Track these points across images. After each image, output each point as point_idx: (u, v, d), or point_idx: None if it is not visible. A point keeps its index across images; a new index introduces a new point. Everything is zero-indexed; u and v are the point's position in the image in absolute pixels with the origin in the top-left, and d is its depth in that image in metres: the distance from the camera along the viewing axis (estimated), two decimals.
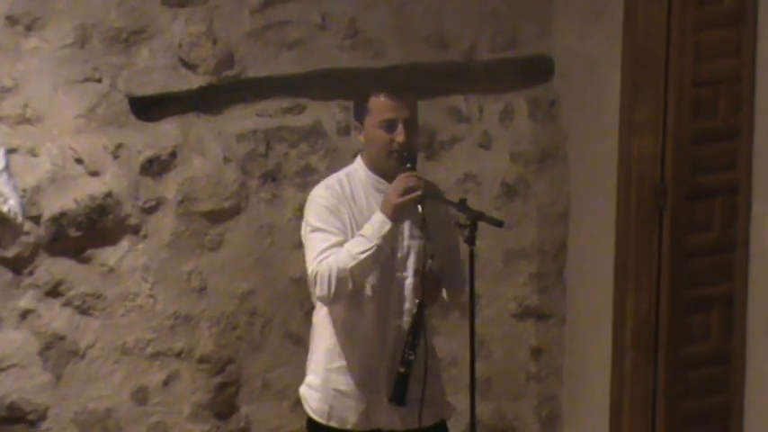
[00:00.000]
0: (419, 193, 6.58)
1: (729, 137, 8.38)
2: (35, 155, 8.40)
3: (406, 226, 6.89)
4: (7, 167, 8.03)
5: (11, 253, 8.45)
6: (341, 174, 7.04)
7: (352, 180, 6.90)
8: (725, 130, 8.54)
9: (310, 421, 7.04)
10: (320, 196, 6.92)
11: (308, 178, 8.88)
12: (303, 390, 7.01)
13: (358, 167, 6.99)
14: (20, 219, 8.06)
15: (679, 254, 8.76)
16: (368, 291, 6.74)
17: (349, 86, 8.94)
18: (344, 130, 8.97)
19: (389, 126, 6.74)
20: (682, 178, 8.81)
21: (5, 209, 8.10)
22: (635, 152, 8.68)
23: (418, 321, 6.69)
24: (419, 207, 6.76)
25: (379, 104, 6.84)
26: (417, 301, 6.72)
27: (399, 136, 6.70)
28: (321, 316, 7.02)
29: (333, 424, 6.78)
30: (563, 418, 9.50)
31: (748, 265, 8.36)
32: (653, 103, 8.68)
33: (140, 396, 8.58)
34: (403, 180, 6.63)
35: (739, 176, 8.25)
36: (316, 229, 6.81)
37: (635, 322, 8.83)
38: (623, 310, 8.84)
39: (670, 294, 8.89)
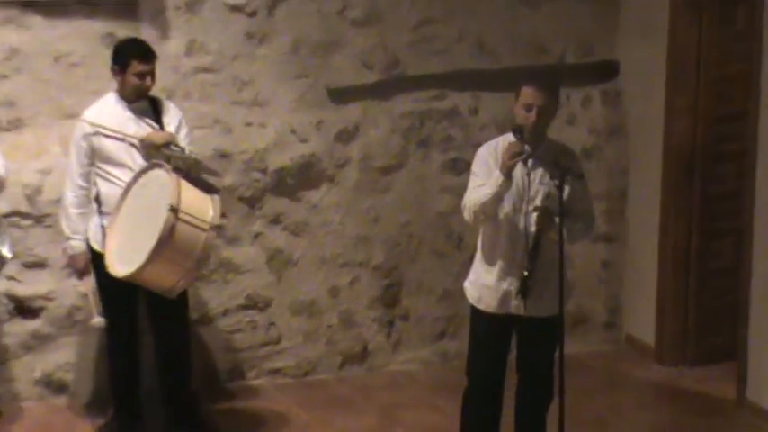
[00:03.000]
0: (522, 156, 6.56)
1: (741, 118, 8.31)
2: (264, 127, 8.59)
3: (539, 174, 6.83)
4: None
5: (248, 193, 8.54)
6: (498, 138, 7.01)
7: (503, 143, 6.93)
8: (738, 113, 8.41)
9: (471, 305, 7.12)
10: (480, 152, 6.94)
11: (448, 144, 9.00)
12: (465, 283, 7.02)
13: (508, 135, 7.00)
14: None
15: (704, 199, 8.76)
16: (502, 218, 6.72)
17: (477, 81, 9.05)
18: (474, 111, 9.02)
19: (527, 108, 6.75)
20: (707, 147, 8.83)
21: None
22: (675, 129, 8.72)
23: (537, 241, 6.69)
24: (529, 162, 6.70)
25: (524, 92, 6.80)
26: (536, 227, 6.77)
27: (530, 117, 6.73)
28: (479, 234, 7.18)
29: (481, 307, 6.82)
30: (623, 310, 9.46)
31: (753, 208, 8.21)
32: (688, 94, 8.69)
33: (334, 292, 8.78)
34: (509, 147, 6.65)
35: (747, 147, 8.22)
36: (472, 173, 6.84)
37: (674, 245, 8.82)
38: (666, 237, 8.87)
39: (698, 227, 8.86)
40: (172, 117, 7.39)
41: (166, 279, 7.06)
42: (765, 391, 8.16)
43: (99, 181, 7.40)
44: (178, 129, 7.40)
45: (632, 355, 9.11)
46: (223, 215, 7.72)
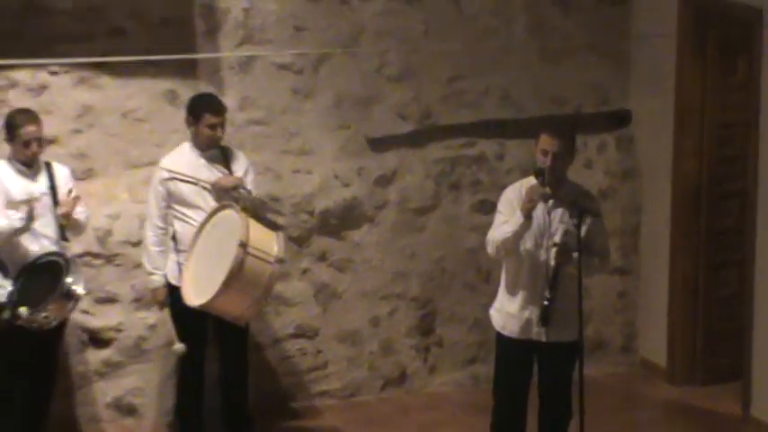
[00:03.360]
0: (540, 199, 6.77)
1: (742, 160, 8.53)
2: (310, 173, 8.76)
3: (559, 213, 6.98)
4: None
5: (296, 233, 8.67)
6: (522, 180, 7.13)
7: (526, 185, 7.03)
8: (739, 155, 8.69)
9: (497, 332, 7.22)
10: (505, 192, 7.09)
11: (477, 187, 9.18)
12: (491, 311, 7.17)
13: (531, 177, 7.10)
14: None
15: (710, 233, 8.92)
16: (524, 252, 6.89)
17: (502, 130, 9.17)
18: (500, 157, 9.27)
19: (544, 153, 6.89)
20: (712, 186, 8.93)
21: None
22: (682, 170, 8.92)
23: (556, 273, 6.85)
24: (549, 202, 6.89)
25: (541, 139, 6.96)
26: (555, 261, 6.89)
27: (547, 161, 6.88)
28: (503, 266, 7.26)
29: (506, 333, 6.99)
30: (638, 335, 9.51)
31: (755, 240, 8.28)
32: (694, 138, 8.88)
33: (374, 321, 8.95)
34: (529, 190, 6.81)
35: (748, 185, 8.34)
36: (498, 211, 7.02)
37: (683, 276, 9.00)
38: (675, 268, 9.04)
39: (705, 259, 8.96)
40: (240, 164, 7.68)
41: (236, 308, 7.33)
42: None
43: (175, 221, 7.69)
44: (246, 174, 7.65)
45: (646, 377, 9.25)
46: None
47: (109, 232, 8.14)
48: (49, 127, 7.95)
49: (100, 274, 8.11)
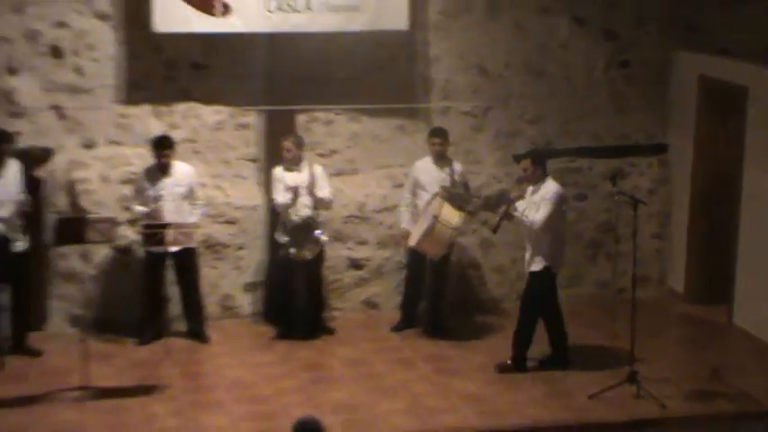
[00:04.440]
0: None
1: (732, 178, 9.24)
2: (479, 174, 9.70)
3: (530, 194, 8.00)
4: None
5: (470, 209, 9.37)
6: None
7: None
8: (730, 174, 9.32)
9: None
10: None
11: (576, 185, 10.03)
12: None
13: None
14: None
15: (711, 214, 9.67)
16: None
17: (591, 153, 9.98)
18: (590, 168, 10.06)
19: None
20: (713, 190, 9.68)
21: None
22: (697, 180, 9.93)
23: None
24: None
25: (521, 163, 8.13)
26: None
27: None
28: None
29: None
30: (667, 273, 10.21)
31: (738, 222, 9.22)
32: (704, 162, 9.81)
33: (513, 260, 9.84)
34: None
35: (734, 192, 9.18)
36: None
37: (695, 239, 9.85)
38: (691, 234, 9.90)
39: (708, 227, 9.78)
40: (456, 168, 9.05)
41: (430, 251, 8.80)
42: (747, 318, 9.28)
43: (417, 197, 9.17)
44: (459, 174, 8.95)
45: (671, 299, 10.24)
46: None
47: (364, 204, 9.78)
48: (333, 144, 9.72)
49: (358, 227, 9.78)
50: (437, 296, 9.31)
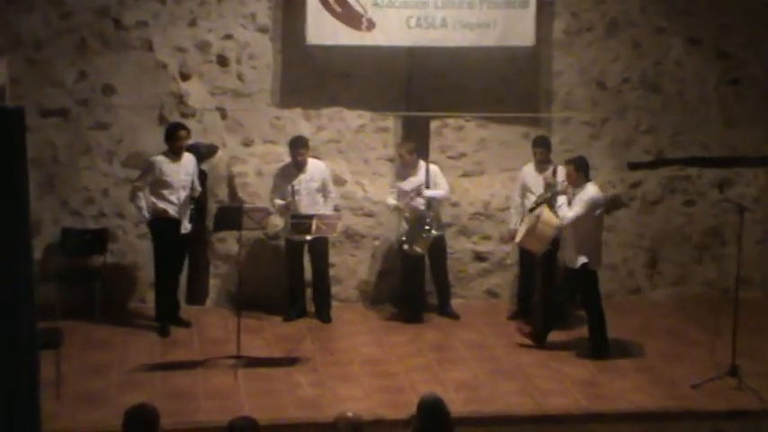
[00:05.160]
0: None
1: None
2: (595, 180, 9.14)
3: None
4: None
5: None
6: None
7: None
8: None
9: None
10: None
11: (686, 192, 10.09)
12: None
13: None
14: None
15: None
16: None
17: (701, 163, 9.95)
18: (699, 177, 10.03)
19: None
20: None
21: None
22: None
23: None
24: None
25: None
26: None
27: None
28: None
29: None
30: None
31: None
32: None
33: (625, 259, 9.98)
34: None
35: None
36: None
37: None
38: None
39: None
40: (560, 173, 8.78)
41: (533, 247, 8.75)
42: None
43: (525, 200, 9.07)
44: (560, 178, 8.66)
45: None
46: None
47: (489, 203, 9.84)
48: (462, 148, 9.81)
49: (483, 224, 9.83)
50: (549, 290, 9.25)
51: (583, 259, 8.29)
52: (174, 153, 8.82)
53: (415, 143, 9.30)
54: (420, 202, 9.03)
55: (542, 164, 9.05)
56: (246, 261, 9.55)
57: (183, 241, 8.99)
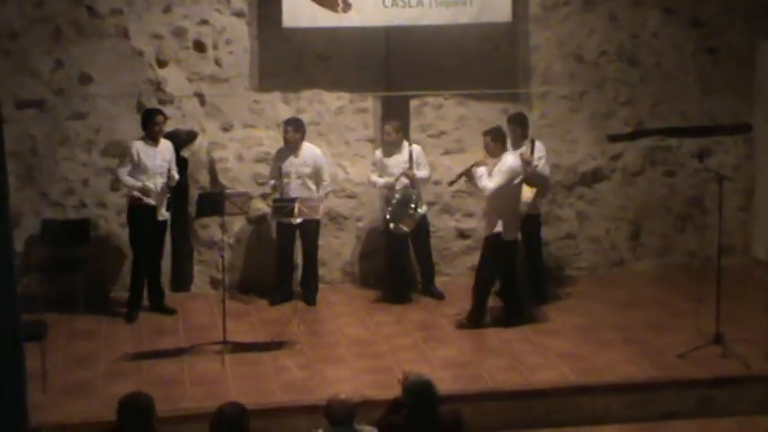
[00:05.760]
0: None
1: None
2: (575, 152, 9.75)
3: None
4: None
5: (567, 183, 9.73)
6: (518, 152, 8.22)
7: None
8: None
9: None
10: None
11: (665, 163, 10.03)
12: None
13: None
14: None
15: None
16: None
17: (680, 132, 9.89)
18: (678, 147, 10.04)
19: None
20: None
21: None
22: None
23: None
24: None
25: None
26: None
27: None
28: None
29: None
30: (751, 243, 10.15)
31: None
32: None
33: (608, 231, 10.01)
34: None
35: None
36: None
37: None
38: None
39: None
40: (538, 150, 8.70)
41: None
42: None
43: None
44: (539, 157, 8.67)
45: (756, 267, 10.09)
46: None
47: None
48: (442, 126, 9.76)
49: (465, 201, 9.78)
50: (533, 264, 9.33)
51: (498, 228, 8.29)
52: (151, 139, 8.79)
53: (401, 122, 9.28)
54: (403, 181, 9.00)
55: (519, 141, 8.96)
56: (230, 246, 9.59)
57: (160, 228, 8.97)
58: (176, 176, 8.95)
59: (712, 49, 10.04)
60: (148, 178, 8.75)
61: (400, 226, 8.88)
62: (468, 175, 8.22)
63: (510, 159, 8.23)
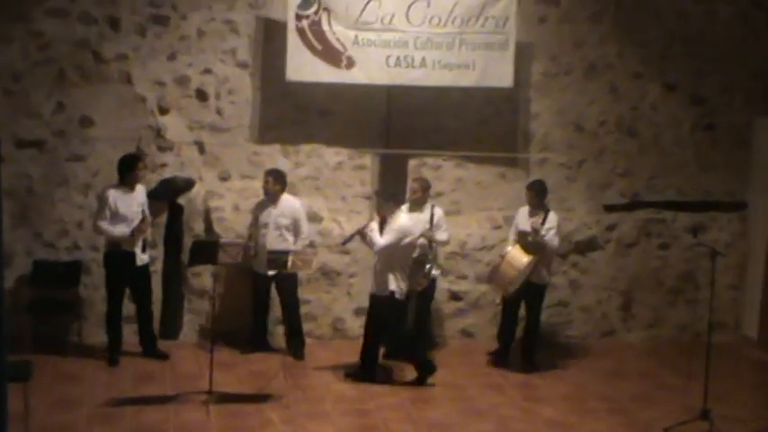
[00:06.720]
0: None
1: None
2: (571, 220, 9.63)
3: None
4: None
5: (562, 251, 9.45)
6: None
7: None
8: None
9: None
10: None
11: (660, 235, 9.98)
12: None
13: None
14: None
15: None
16: None
17: (677, 206, 9.91)
18: (673, 221, 10.02)
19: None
20: None
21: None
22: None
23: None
24: None
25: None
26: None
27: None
28: None
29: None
30: (742, 322, 10.01)
31: None
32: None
33: (599, 301, 9.91)
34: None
35: None
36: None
37: None
38: (766, 282, 9.68)
39: None
40: (550, 219, 8.68)
41: (497, 287, 8.78)
42: None
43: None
44: (547, 225, 8.66)
45: (746, 345, 10.02)
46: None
47: (465, 242, 9.75)
48: (439, 187, 9.71)
49: (459, 263, 9.76)
50: (528, 331, 9.30)
51: (392, 287, 8.28)
52: (127, 185, 8.71)
53: (428, 181, 9.22)
54: (421, 241, 8.87)
55: (534, 208, 8.95)
56: (221, 295, 9.51)
57: (141, 273, 8.86)
58: (149, 217, 8.81)
59: (710, 125, 10.08)
60: (126, 225, 8.66)
61: (414, 285, 8.81)
62: (362, 233, 8.21)
63: (402, 219, 8.22)
